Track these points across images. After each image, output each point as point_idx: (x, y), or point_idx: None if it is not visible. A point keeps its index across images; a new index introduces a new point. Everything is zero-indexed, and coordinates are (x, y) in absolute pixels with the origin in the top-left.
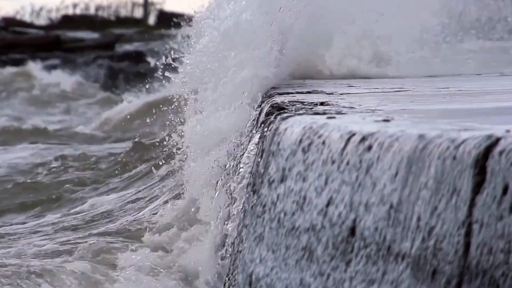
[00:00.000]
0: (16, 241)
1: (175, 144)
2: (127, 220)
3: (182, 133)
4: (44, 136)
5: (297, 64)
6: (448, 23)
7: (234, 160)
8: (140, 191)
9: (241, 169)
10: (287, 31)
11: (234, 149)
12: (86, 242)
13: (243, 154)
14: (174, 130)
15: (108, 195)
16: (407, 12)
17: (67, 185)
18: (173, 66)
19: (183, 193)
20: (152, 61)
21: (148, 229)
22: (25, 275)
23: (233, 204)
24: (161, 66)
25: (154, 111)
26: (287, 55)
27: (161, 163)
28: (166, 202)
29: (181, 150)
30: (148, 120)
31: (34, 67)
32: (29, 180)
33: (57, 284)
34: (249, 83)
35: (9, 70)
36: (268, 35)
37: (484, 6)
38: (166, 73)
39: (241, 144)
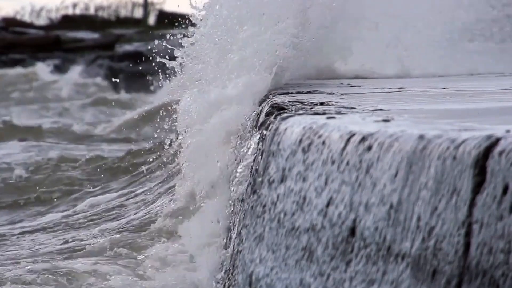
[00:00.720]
0: (20, 241)
1: (171, 138)
2: (137, 215)
3: (177, 117)
4: (37, 135)
5: (314, 70)
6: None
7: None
8: (141, 190)
9: (241, 170)
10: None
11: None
12: (100, 240)
13: (243, 155)
14: (170, 122)
15: (108, 194)
16: (438, 20)
17: (61, 185)
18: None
19: (182, 173)
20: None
21: (162, 219)
22: (64, 277)
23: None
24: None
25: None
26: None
27: (160, 164)
28: (170, 197)
29: (177, 133)
30: (145, 122)
31: (42, 68)
32: (24, 177)
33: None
34: (264, 52)
35: (17, 70)
36: (289, 10)
37: None
38: (160, 58)
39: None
